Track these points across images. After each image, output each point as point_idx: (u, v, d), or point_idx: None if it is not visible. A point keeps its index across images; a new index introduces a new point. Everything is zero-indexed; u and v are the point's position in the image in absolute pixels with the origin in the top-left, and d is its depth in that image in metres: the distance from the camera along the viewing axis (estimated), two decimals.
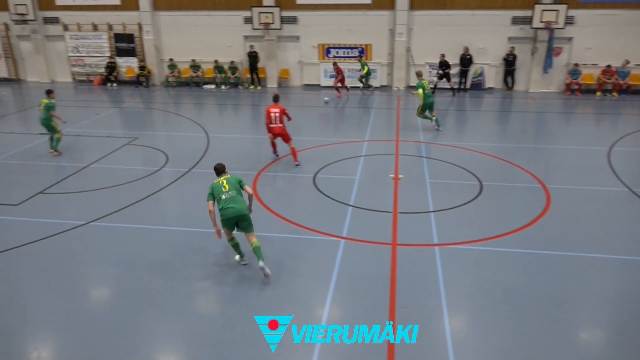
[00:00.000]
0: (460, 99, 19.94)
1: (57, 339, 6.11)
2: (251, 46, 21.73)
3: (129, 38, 22.66)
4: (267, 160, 12.23)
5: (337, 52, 21.76)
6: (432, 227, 8.62)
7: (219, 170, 7.58)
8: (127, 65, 22.97)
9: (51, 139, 12.93)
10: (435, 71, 20.78)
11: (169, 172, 11.63)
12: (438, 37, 20.71)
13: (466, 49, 20.37)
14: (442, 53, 20.24)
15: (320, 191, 10.29)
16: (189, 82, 22.59)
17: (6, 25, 23.35)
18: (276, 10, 20.96)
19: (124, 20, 22.52)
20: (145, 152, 13.24)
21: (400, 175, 11.06)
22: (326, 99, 19.55)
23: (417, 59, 21.14)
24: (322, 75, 21.90)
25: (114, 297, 6.95)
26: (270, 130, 11.80)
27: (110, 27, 22.76)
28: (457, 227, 8.65)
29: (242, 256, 7.50)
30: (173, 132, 15.48)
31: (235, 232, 7.33)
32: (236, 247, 7.40)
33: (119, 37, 22.73)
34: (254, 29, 21.45)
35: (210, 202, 7.19)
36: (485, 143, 13.78)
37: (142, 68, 22.47)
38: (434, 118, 14.86)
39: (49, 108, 12.65)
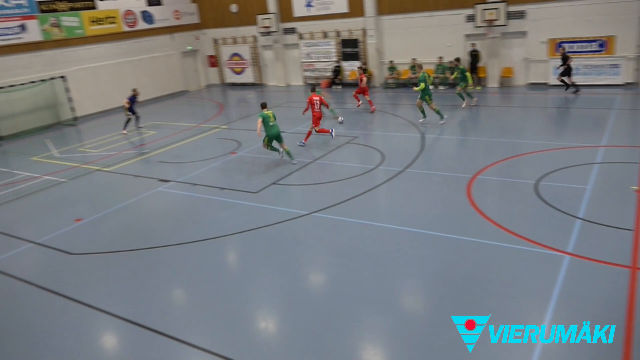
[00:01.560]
0: None
1: (279, 315, 6.89)
2: (472, 44, 21.00)
3: (354, 43, 24.10)
4: (484, 163, 11.70)
5: (571, 47, 19.56)
6: None
7: (264, 105, 12.91)
8: (351, 69, 24.47)
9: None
10: None
11: (383, 170, 12.03)
12: None
13: None
14: None
15: (543, 199, 9.42)
16: (407, 83, 22.99)
17: (254, 38, 27.12)
18: (502, 5, 19.83)
19: (350, 27, 24.03)
20: (364, 151, 13.93)
21: None
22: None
23: None
24: (551, 72, 19.94)
25: (330, 284, 7.51)
26: (314, 114, 14.51)
27: (338, 33, 24.54)
28: None
29: (278, 151, 13.19)
30: (390, 132, 15.94)
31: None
32: (272, 149, 13.04)
33: (345, 43, 24.37)
34: (476, 27, 20.68)
35: (260, 120, 12.52)
36: None
37: (364, 71, 23.67)
38: None
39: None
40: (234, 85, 28.45)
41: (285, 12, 25.83)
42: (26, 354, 6.43)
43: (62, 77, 21.35)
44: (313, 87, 15.31)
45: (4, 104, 19.55)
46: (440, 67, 21.78)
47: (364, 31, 23.71)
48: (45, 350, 6.46)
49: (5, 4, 19.85)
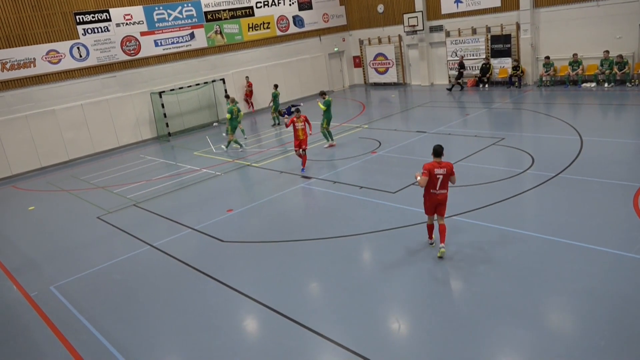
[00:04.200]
0: None
1: (413, 318, 6.79)
2: None
3: (505, 39, 22.73)
4: None
5: None
6: None
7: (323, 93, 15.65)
8: (501, 66, 23.14)
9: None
10: None
11: (533, 175, 11.19)
12: None
13: None
14: None
15: None
16: (565, 80, 21.05)
17: (399, 37, 27.03)
18: None
19: (502, 22, 22.72)
20: (511, 153, 13.10)
21: None
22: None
23: None
24: None
25: (467, 291, 7.20)
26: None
27: (488, 29, 23.37)
28: None
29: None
30: (542, 134, 14.76)
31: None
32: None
33: (495, 39, 23.11)
34: None
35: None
36: None
37: (515, 68, 22.25)
38: None
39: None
40: (377, 85, 28.69)
41: (433, 10, 25.31)
42: (179, 327, 7.22)
43: (222, 79, 23.50)
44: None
45: (173, 104, 22.14)
46: (606, 61, 19.57)
47: (518, 25, 22.25)
48: (193, 326, 7.19)
49: (179, 16, 22.45)
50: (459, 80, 23.83)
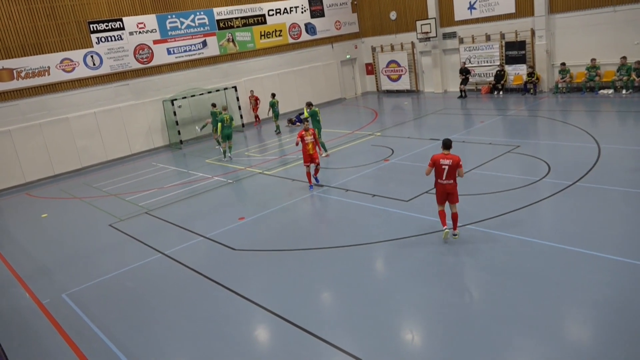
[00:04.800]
0: None
1: (427, 329, 6.72)
2: None
3: (520, 45, 22.60)
4: None
5: None
6: None
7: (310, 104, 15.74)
8: (516, 73, 22.99)
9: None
10: None
11: (549, 183, 11.06)
12: None
13: None
14: None
15: None
16: (582, 87, 20.84)
17: (412, 44, 27.02)
18: None
19: (517, 28, 22.60)
20: (526, 161, 12.97)
21: None
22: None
23: None
24: None
25: (482, 302, 7.12)
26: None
27: (502, 36, 23.25)
28: None
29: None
30: (558, 142, 14.60)
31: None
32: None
33: (509, 45, 22.98)
34: None
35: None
36: None
37: (530, 75, 22.09)
38: None
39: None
40: (389, 92, 28.67)
41: (446, 17, 25.28)
42: (190, 336, 7.21)
43: (234, 87, 23.64)
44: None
45: (185, 111, 22.30)
46: (624, 67, 19.36)
47: (533, 32, 22.12)
48: (204, 334, 7.18)
49: (192, 24, 22.68)
50: (463, 86, 23.97)
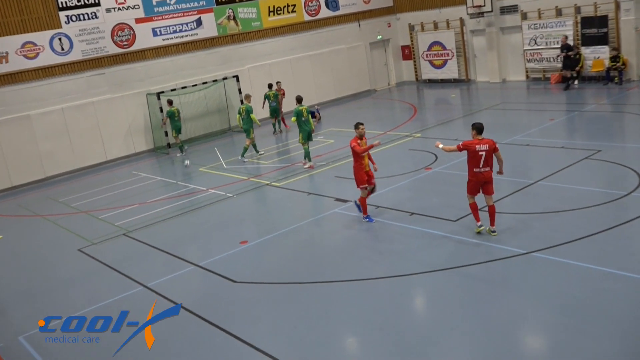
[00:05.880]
0: None
1: None
2: None
3: (601, 22, 22.38)
4: None
5: None
6: None
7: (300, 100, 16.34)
8: (595, 57, 22.76)
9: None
10: None
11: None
12: None
13: None
14: None
15: None
16: None
17: (461, 21, 26.97)
18: None
19: (596, 0, 22.42)
20: (610, 170, 12.86)
21: None
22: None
23: None
24: None
25: (550, 350, 6.99)
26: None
27: (577, 9, 23.07)
28: None
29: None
30: None
31: None
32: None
33: (586, 22, 22.78)
34: None
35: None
36: None
37: (614, 59, 21.84)
38: None
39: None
40: (432, 82, 28.68)
41: None
42: None
43: (235, 76, 23.77)
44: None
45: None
46: None
47: (617, 4, 21.92)
48: None
49: None
50: (571, 72, 22.34)
